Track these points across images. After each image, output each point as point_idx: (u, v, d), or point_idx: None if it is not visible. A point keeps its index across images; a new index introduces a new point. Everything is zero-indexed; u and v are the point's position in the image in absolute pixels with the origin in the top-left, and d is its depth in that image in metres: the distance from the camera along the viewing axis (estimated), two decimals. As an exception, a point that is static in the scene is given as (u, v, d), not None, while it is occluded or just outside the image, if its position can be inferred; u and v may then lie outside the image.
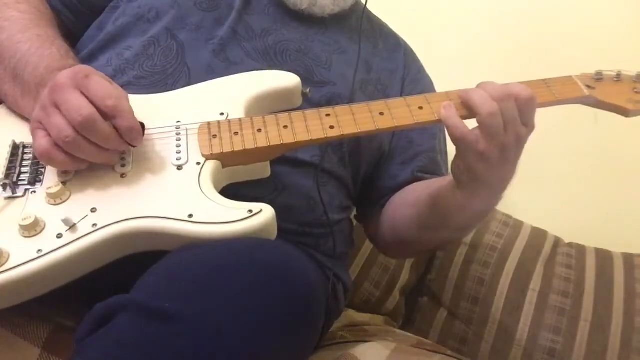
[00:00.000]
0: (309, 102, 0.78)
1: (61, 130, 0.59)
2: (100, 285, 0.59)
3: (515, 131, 0.68)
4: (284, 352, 0.54)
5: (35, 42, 0.74)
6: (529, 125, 0.70)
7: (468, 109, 0.70)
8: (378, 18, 1.02)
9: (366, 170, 0.91)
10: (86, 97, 0.60)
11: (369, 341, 0.85)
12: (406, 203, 0.88)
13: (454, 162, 0.74)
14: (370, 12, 0.99)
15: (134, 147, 0.65)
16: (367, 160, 0.90)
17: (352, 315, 1.17)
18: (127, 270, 0.57)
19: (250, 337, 0.51)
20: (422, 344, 1.00)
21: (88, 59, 0.83)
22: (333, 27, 0.92)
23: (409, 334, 1.12)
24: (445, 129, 0.71)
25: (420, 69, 0.99)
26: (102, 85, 0.62)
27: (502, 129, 0.68)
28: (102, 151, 0.62)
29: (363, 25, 0.93)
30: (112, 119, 0.61)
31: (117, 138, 0.62)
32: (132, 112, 0.63)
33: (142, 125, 0.65)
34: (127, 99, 0.64)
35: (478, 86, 0.71)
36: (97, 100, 0.60)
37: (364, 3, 0.93)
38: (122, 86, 0.65)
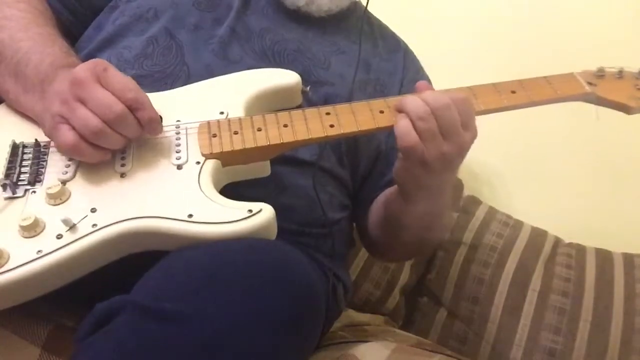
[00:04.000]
0: (306, 102, 0.78)
1: (89, 121, 0.60)
2: (100, 285, 0.58)
3: (457, 139, 0.69)
4: (283, 351, 0.54)
5: (37, 40, 0.74)
6: (470, 129, 0.70)
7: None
8: (378, 19, 1.02)
9: (364, 170, 0.91)
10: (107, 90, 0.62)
11: (369, 341, 0.85)
12: (377, 202, 0.90)
13: (395, 168, 0.75)
14: (369, 13, 0.99)
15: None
16: (365, 159, 0.90)
17: (352, 315, 1.17)
18: (127, 271, 0.57)
19: (250, 338, 0.50)
20: (422, 344, 1.00)
21: (87, 60, 0.82)
22: (332, 29, 0.91)
23: (409, 334, 1.12)
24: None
25: (419, 70, 0.99)
26: (120, 78, 0.63)
27: (438, 134, 0.68)
28: (124, 139, 0.64)
29: (364, 26, 0.92)
30: (134, 111, 0.63)
31: (139, 129, 0.64)
32: (150, 102, 0.64)
33: (160, 116, 0.66)
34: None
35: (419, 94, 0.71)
36: (118, 93, 0.62)
37: (365, 4, 0.93)
38: None
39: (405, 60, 0.97)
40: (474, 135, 0.71)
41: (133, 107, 0.62)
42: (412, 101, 0.69)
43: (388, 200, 0.85)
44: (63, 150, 0.63)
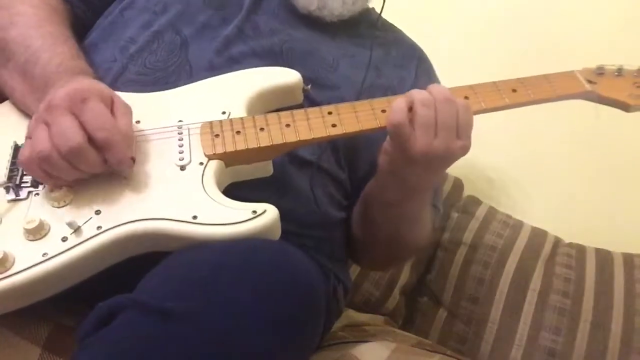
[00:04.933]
0: (311, 103, 0.77)
1: (38, 145, 0.59)
2: (102, 285, 0.58)
3: (446, 139, 0.68)
4: (284, 351, 0.54)
5: (47, 38, 0.73)
6: (463, 138, 0.69)
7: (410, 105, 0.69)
8: (394, 26, 1.01)
9: (363, 174, 0.90)
10: (80, 121, 0.60)
11: (369, 341, 0.85)
12: (358, 201, 0.89)
13: (380, 150, 0.75)
14: (385, 21, 0.98)
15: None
16: (366, 164, 0.88)
17: (352, 315, 1.17)
18: (129, 270, 0.57)
19: (252, 337, 0.50)
20: (422, 344, 1.00)
21: (90, 48, 0.82)
22: (342, 35, 0.91)
23: (409, 334, 1.12)
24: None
25: (430, 76, 0.98)
26: (96, 114, 0.61)
27: (433, 125, 0.67)
28: (80, 172, 0.61)
29: (376, 33, 0.92)
30: (103, 150, 0.60)
31: (102, 166, 0.61)
32: (124, 142, 0.62)
33: (132, 157, 0.63)
34: (123, 128, 0.62)
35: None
36: (91, 128, 0.60)
37: (380, 11, 0.92)
38: (125, 83, 0.65)
39: (418, 68, 0.96)
40: (465, 146, 0.70)
41: (101, 147, 0.60)
42: (419, 90, 0.69)
43: (366, 191, 0.84)
44: (18, 163, 0.63)
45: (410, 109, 0.69)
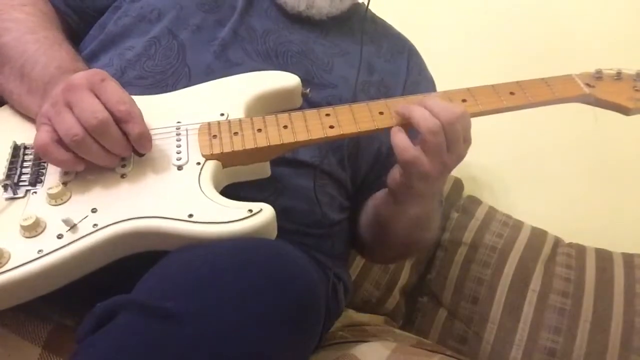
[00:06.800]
0: (309, 104, 0.78)
1: (70, 128, 0.60)
2: (100, 285, 0.59)
3: (458, 151, 0.71)
4: (284, 351, 0.54)
5: (43, 43, 0.74)
6: (467, 141, 0.72)
7: (409, 126, 0.71)
8: (382, 19, 1.01)
9: (365, 172, 0.91)
10: (100, 100, 0.61)
11: (369, 341, 0.86)
12: (367, 205, 0.90)
13: (391, 176, 0.76)
14: (373, 14, 0.99)
15: (141, 155, 0.65)
16: (367, 162, 0.90)
17: (352, 315, 1.17)
18: (128, 270, 0.57)
19: (251, 337, 0.50)
20: (422, 344, 1.00)
21: (90, 59, 0.83)
22: (334, 31, 0.92)
23: (409, 334, 1.13)
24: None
25: (422, 70, 0.99)
26: (116, 90, 0.63)
27: (445, 148, 0.69)
28: (107, 154, 0.63)
29: (366, 27, 0.92)
30: (125, 123, 0.62)
31: (125, 143, 0.63)
32: (143, 118, 0.64)
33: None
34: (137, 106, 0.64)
35: (421, 102, 0.71)
36: (111, 104, 0.61)
37: (366, 5, 0.93)
38: (124, 86, 0.65)
39: (409, 61, 0.97)
40: (469, 145, 0.73)
41: (124, 120, 0.62)
42: (422, 114, 0.69)
43: (378, 204, 0.85)
44: (35, 149, 0.62)
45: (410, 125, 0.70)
